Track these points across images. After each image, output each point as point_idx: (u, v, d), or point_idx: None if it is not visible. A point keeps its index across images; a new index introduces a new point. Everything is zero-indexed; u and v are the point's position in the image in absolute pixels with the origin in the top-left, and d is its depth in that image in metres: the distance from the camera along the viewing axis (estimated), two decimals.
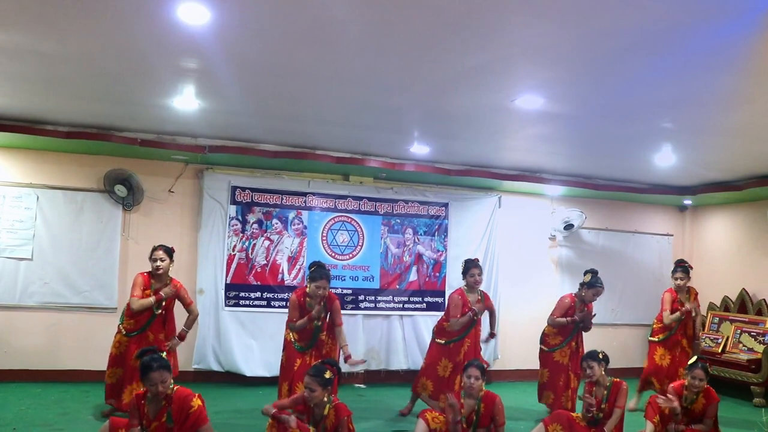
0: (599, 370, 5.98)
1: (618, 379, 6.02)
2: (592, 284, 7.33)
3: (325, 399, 4.90)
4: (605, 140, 7.35)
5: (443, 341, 7.09)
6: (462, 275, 7.23)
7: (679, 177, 9.26)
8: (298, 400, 5.14)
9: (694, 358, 6.33)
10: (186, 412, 4.56)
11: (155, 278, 6.47)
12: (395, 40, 4.55)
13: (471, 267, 7.15)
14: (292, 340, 6.49)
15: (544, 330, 7.49)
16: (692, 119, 6.29)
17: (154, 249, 6.51)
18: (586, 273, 7.45)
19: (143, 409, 4.61)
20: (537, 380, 7.55)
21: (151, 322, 6.43)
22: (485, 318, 7.42)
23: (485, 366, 5.80)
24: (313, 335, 6.47)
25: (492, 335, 7.43)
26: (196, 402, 4.61)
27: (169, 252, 6.54)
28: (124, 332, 6.41)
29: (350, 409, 5.03)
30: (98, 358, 6.61)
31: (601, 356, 6.04)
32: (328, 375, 4.85)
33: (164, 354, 4.89)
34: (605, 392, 5.97)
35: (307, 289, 6.47)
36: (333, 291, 6.96)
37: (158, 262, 6.43)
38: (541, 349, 7.47)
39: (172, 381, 4.69)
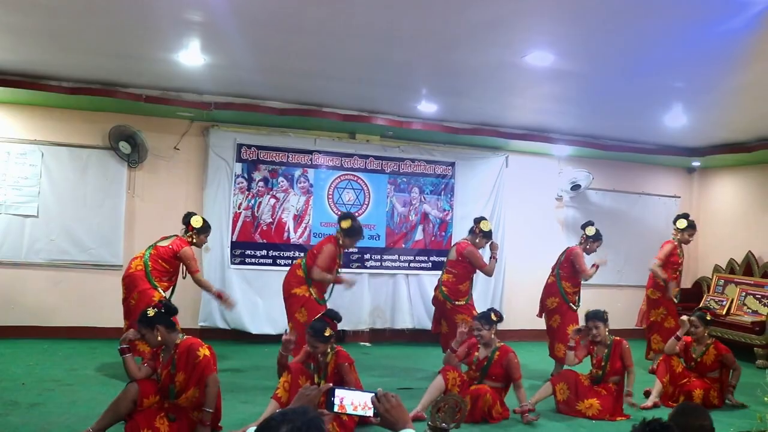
0: (604, 330, 6.04)
1: (618, 338, 6.08)
2: (599, 236, 7.50)
3: (329, 349, 5.23)
4: (615, 99, 7.27)
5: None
6: (482, 237, 7.30)
7: (688, 138, 9.17)
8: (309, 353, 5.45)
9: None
10: (192, 362, 4.68)
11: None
12: None
13: (491, 238, 7.43)
14: (314, 296, 6.65)
15: (565, 288, 7.38)
16: (703, 78, 6.21)
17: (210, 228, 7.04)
18: (587, 226, 7.48)
19: (159, 357, 4.87)
20: (544, 340, 7.58)
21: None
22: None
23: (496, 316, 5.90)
24: (331, 289, 7.00)
25: None
26: (203, 351, 4.72)
27: None
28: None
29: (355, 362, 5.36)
30: (104, 315, 6.63)
31: (605, 316, 6.11)
32: (327, 333, 5.14)
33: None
34: (606, 351, 6.04)
35: (339, 241, 6.81)
36: None
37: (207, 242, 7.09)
38: (566, 304, 7.37)
39: (181, 333, 4.89)
